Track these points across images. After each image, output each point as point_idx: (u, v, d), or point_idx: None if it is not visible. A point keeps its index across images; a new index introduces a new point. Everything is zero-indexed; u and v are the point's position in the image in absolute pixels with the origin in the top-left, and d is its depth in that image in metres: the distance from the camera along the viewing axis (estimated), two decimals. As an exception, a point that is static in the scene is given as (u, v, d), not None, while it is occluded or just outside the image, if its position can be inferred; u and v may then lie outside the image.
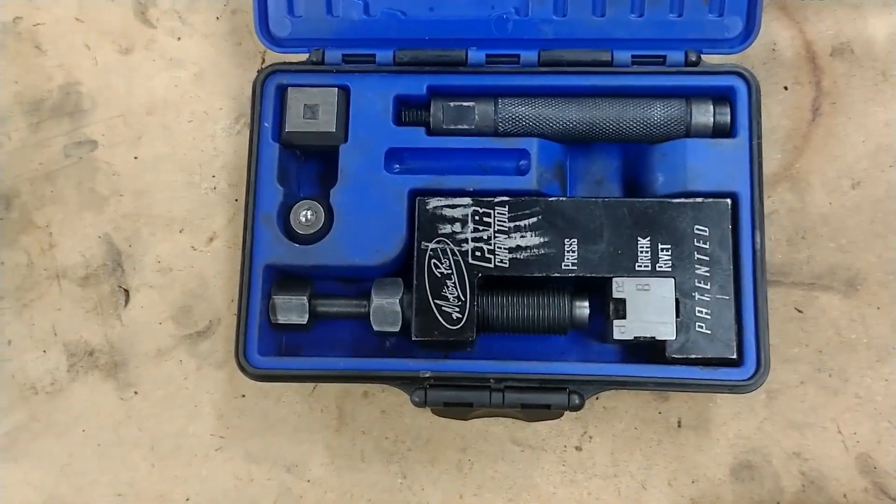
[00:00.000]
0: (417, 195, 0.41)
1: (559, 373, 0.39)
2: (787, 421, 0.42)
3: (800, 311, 0.43)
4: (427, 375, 0.39)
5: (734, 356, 0.39)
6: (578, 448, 0.43)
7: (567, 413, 0.41)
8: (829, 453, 0.42)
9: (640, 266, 0.39)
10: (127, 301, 0.45)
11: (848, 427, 0.42)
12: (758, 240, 0.39)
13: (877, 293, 0.43)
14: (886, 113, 0.45)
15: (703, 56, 0.42)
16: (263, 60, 0.47)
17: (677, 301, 0.39)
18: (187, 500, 0.43)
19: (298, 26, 0.42)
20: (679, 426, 0.43)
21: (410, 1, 0.42)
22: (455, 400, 0.39)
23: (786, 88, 0.45)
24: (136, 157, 0.46)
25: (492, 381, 0.39)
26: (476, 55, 0.42)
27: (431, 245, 0.40)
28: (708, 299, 0.39)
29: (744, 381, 0.38)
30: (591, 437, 0.43)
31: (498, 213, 0.40)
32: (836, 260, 0.44)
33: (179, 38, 0.48)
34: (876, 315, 0.43)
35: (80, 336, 0.45)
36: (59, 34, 0.48)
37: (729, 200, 0.40)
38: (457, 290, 0.40)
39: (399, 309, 0.40)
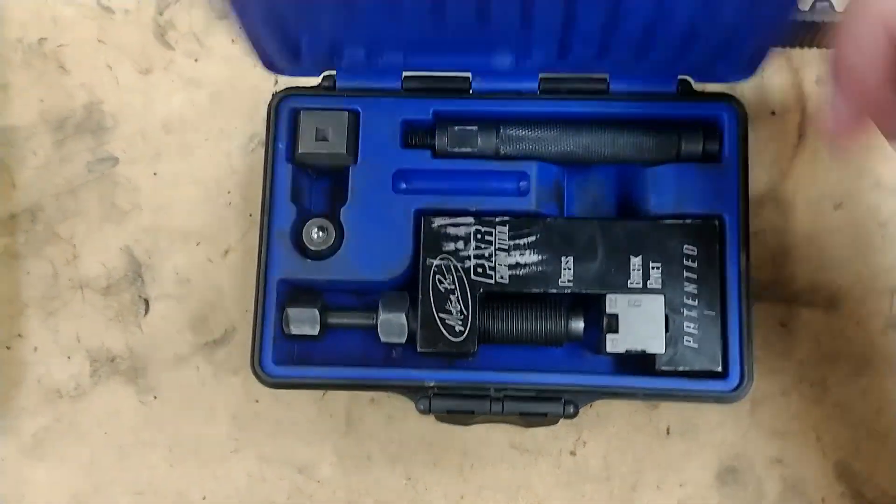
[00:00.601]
0: (423, 214, 0.43)
1: (555, 383, 0.42)
2: (770, 429, 0.45)
3: (783, 326, 0.46)
4: (431, 385, 0.42)
5: (720, 369, 0.41)
6: (573, 453, 0.46)
7: (562, 420, 0.43)
8: (810, 460, 0.45)
9: (633, 283, 0.42)
10: (147, 310, 0.48)
11: (827, 435, 0.45)
12: (743, 260, 0.42)
13: (856, 309, 0.46)
14: (868, 137, 0.47)
15: (694, 84, 0.44)
16: (277, 82, 0.49)
17: (667, 317, 0.42)
18: (203, 498, 0.46)
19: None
20: (668, 433, 0.45)
21: (418, 32, 0.44)
22: (457, 408, 0.42)
23: (773, 113, 0.48)
24: (155, 173, 0.49)
25: (492, 390, 0.41)
26: (480, 83, 0.44)
27: (436, 261, 0.43)
28: (695, 315, 0.42)
29: (728, 392, 0.41)
30: (585, 443, 0.46)
31: (499, 231, 0.43)
32: (819, 277, 0.46)
33: (197, 60, 0.50)
34: (855, 330, 0.46)
35: (103, 343, 0.47)
36: (82, 55, 0.50)
37: (717, 222, 0.42)
38: (459, 304, 0.42)
39: (405, 321, 0.43)
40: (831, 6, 0.44)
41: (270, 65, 0.43)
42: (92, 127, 0.49)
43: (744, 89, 0.48)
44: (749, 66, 0.42)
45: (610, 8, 0.38)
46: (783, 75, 0.48)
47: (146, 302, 0.48)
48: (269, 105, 0.44)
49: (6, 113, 0.50)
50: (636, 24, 0.39)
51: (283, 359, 0.43)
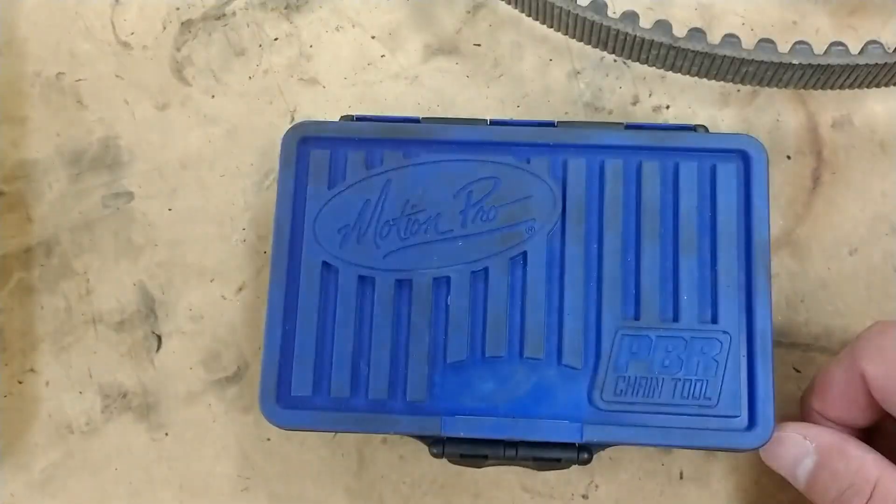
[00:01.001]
0: None
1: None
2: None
3: (798, 371, 0.46)
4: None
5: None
6: (585, 496, 0.45)
7: (579, 465, 0.43)
8: (823, 507, 0.44)
9: None
10: (159, 346, 0.48)
11: (841, 483, 0.45)
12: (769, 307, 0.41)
13: (871, 356, 0.46)
14: (883, 183, 0.47)
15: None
16: (293, 119, 0.50)
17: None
18: (214, 537, 0.46)
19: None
20: (681, 478, 0.45)
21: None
22: (471, 452, 0.41)
23: (788, 157, 0.48)
24: (170, 209, 0.49)
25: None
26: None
27: None
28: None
29: (754, 447, 0.40)
30: (597, 487, 0.45)
31: None
32: (834, 322, 0.46)
33: (213, 96, 0.50)
34: (870, 376, 0.45)
35: (115, 378, 0.47)
36: (99, 90, 0.50)
37: None
38: None
39: (420, 364, 0.43)
40: (847, 50, 0.44)
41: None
42: (108, 162, 0.50)
43: (759, 133, 0.48)
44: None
45: None
46: (799, 119, 0.48)
47: (159, 338, 0.48)
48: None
49: (24, 147, 0.50)
50: None
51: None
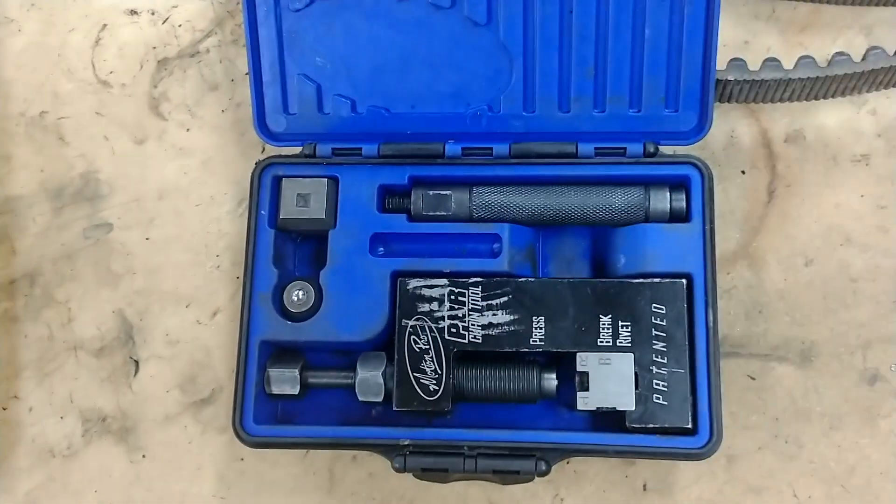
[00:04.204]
0: (399, 276, 0.45)
1: (527, 441, 0.42)
2: (746, 485, 0.45)
3: (757, 381, 0.46)
4: (406, 443, 0.42)
5: (689, 425, 0.42)
6: (551, 509, 0.46)
7: (538, 477, 0.44)
8: (786, 516, 0.45)
9: (602, 342, 0.43)
10: (137, 371, 0.49)
11: (803, 491, 0.45)
12: (710, 318, 0.43)
13: (829, 364, 0.46)
14: (837, 195, 0.48)
15: (660, 147, 0.45)
16: (264, 149, 0.51)
17: (636, 374, 0.42)
18: (190, 556, 0.47)
19: (292, 123, 0.47)
20: (644, 489, 0.46)
21: (393, 99, 0.46)
22: (432, 466, 0.42)
23: (743, 172, 0.49)
24: (147, 239, 0.51)
25: (465, 448, 0.42)
26: (453, 148, 0.46)
27: (411, 322, 0.44)
28: (665, 372, 0.42)
29: (698, 448, 0.41)
30: (562, 500, 0.46)
31: (472, 292, 0.44)
32: (791, 333, 0.47)
33: (189, 130, 0.52)
34: (829, 385, 0.46)
35: (95, 403, 0.49)
36: (80, 127, 0.53)
37: (684, 281, 0.43)
38: (434, 363, 0.43)
39: (382, 381, 0.44)
40: (780, 65, 0.45)
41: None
42: (89, 195, 0.52)
43: (714, 149, 0.49)
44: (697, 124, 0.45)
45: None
46: (752, 135, 0.49)
47: (137, 363, 0.49)
48: (253, 173, 0.46)
49: (9, 183, 0.52)
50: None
51: (264, 418, 0.45)
